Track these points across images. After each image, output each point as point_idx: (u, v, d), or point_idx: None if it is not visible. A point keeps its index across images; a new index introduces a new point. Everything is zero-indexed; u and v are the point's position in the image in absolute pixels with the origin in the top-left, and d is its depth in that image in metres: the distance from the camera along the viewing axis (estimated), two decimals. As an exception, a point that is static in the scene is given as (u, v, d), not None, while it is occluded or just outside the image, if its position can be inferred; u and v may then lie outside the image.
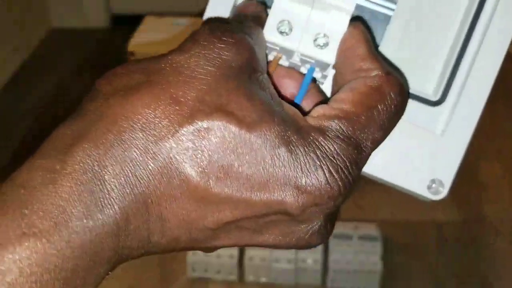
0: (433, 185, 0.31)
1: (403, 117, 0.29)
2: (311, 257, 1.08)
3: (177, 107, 0.22)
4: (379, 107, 0.24)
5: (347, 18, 0.27)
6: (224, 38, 0.24)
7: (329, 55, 0.27)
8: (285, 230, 0.24)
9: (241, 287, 1.09)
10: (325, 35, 0.27)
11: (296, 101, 0.28)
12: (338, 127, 0.23)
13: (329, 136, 0.23)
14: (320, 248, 1.08)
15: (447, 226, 1.36)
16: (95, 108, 0.23)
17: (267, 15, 0.28)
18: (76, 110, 0.24)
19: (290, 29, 0.27)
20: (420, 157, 0.31)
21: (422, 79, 0.31)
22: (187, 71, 0.23)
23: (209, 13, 0.30)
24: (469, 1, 0.30)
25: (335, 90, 0.27)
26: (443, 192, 0.32)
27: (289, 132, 0.22)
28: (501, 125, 1.73)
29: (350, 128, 0.24)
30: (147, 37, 1.45)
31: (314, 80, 0.29)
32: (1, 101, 1.80)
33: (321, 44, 0.27)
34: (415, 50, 0.31)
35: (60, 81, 1.91)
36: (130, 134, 0.21)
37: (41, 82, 1.89)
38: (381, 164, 0.28)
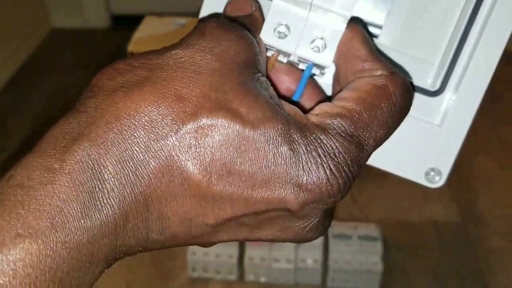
0: (431, 174, 0.31)
1: None
2: (311, 257, 1.08)
3: (181, 104, 0.22)
4: (383, 105, 0.24)
5: (344, 22, 0.26)
6: (231, 32, 0.24)
7: (326, 58, 0.27)
8: (283, 225, 0.24)
9: (241, 287, 1.09)
10: (322, 38, 0.27)
11: (294, 98, 0.28)
12: (340, 125, 0.23)
13: (331, 134, 0.23)
14: (320, 248, 1.09)
15: (446, 226, 1.36)
16: (96, 105, 0.22)
17: (261, 12, 0.28)
18: (75, 106, 0.23)
19: (288, 32, 0.27)
20: (419, 146, 0.31)
21: (421, 70, 0.31)
22: (193, 66, 0.23)
23: (204, 12, 0.30)
24: (466, 3, 0.30)
25: (336, 90, 0.27)
26: (441, 181, 0.32)
27: (292, 130, 0.22)
28: (498, 125, 1.73)
29: (353, 126, 0.23)
30: (147, 37, 1.45)
31: (312, 76, 0.29)
32: (1, 101, 1.80)
33: (319, 47, 0.27)
34: (414, 40, 0.31)
35: (60, 81, 1.91)
36: (132, 132, 0.21)
37: (41, 82, 1.89)
38: (380, 153, 0.27)
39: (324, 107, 0.25)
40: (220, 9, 0.30)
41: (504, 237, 1.33)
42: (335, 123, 0.23)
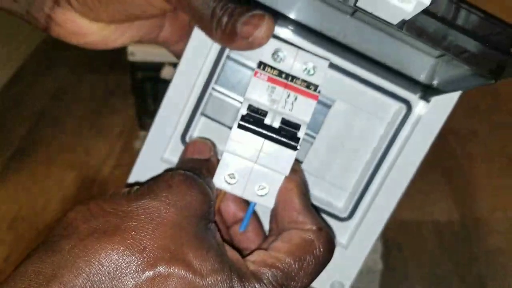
0: (335, 286, 0.37)
1: None
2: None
3: (144, 255, 0.24)
4: (308, 259, 0.28)
5: (282, 177, 0.32)
6: (194, 188, 0.28)
7: (269, 201, 0.32)
8: None
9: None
10: (265, 186, 0.32)
11: (241, 229, 0.33)
12: (273, 275, 0.27)
13: (265, 284, 0.27)
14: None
15: (445, 226, 1.36)
16: (70, 248, 0.24)
17: (217, 157, 0.33)
18: (49, 242, 0.25)
19: (236, 179, 0.32)
20: None
21: (335, 196, 0.37)
22: (158, 218, 0.26)
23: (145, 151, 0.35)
24: (379, 141, 0.35)
25: (273, 228, 0.32)
26: None
27: (234, 280, 0.26)
28: (499, 126, 1.74)
29: (284, 277, 0.27)
30: (147, 37, 1.45)
31: (254, 212, 0.35)
32: (1, 101, 1.80)
33: (262, 194, 0.32)
34: (331, 171, 0.36)
35: (60, 81, 1.91)
36: (99, 278, 0.23)
37: (41, 82, 1.89)
38: None
39: (261, 254, 0.29)
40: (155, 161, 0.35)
41: (504, 237, 1.33)
42: (269, 273, 0.27)
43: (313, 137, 0.36)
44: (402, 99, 0.34)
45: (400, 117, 0.34)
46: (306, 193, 0.32)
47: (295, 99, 0.32)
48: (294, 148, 0.31)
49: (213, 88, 0.35)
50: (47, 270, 0.23)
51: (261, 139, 0.31)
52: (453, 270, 1.25)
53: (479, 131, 1.69)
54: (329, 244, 0.30)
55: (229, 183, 0.32)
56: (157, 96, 1.46)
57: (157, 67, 1.39)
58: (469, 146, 1.62)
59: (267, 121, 0.31)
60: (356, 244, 0.36)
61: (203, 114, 0.36)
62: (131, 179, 0.36)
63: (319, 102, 0.34)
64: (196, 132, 0.36)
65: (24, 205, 1.38)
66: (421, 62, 0.31)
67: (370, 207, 0.36)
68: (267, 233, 0.34)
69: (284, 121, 0.31)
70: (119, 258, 0.24)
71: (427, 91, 0.34)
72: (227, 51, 0.33)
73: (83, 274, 0.23)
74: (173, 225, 0.26)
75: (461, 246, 1.31)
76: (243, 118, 0.31)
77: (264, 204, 0.32)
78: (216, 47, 0.33)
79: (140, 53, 1.40)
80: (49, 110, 1.75)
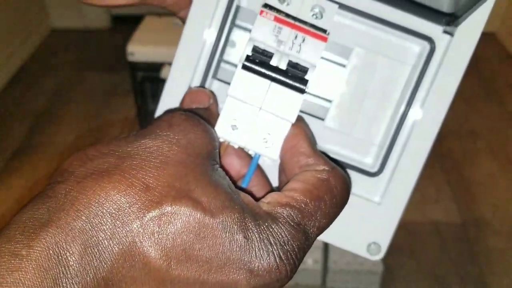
0: (372, 247, 0.34)
1: None
2: (311, 257, 1.08)
3: (147, 193, 0.23)
4: (326, 197, 0.27)
5: (289, 124, 0.30)
6: (197, 126, 0.26)
7: (274, 152, 0.30)
8: None
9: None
10: (270, 134, 0.30)
11: (244, 184, 0.31)
12: (289, 214, 0.25)
13: (281, 223, 0.25)
14: (320, 248, 1.09)
15: (446, 227, 1.36)
16: (66, 192, 0.23)
17: (217, 105, 0.31)
18: (45, 190, 0.23)
19: (239, 127, 0.30)
20: (360, 223, 0.34)
21: (362, 152, 0.34)
22: (160, 156, 0.24)
23: (162, 107, 0.33)
24: (404, 88, 0.33)
25: (283, 180, 0.30)
26: (381, 254, 0.35)
27: (247, 219, 0.24)
28: (500, 127, 1.74)
29: (300, 216, 0.26)
30: (147, 37, 1.46)
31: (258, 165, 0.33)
32: (1, 101, 1.80)
33: (267, 142, 0.30)
34: (357, 125, 0.34)
35: (60, 81, 1.91)
36: (100, 220, 0.22)
37: (41, 82, 1.89)
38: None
39: (275, 196, 0.27)
40: (176, 104, 0.32)
41: (504, 237, 1.33)
42: (284, 212, 0.25)
43: (330, 101, 0.34)
44: (424, 36, 0.32)
45: (424, 58, 0.32)
46: (313, 139, 0.31)
47: (303, 40, 0.30)
48: (301, 91, 0.29)
49: (222, 60, 0.33)
50: (42, 215, 0.22)
51: (267, 81, 0.29)
52: (453, 270, 1.25)
53: (479, 131, 1.69)
54: (345, 183, 0.28)
55: (231, 133, 0.30)
56: (157, 96, 1.46)
57: (157, 67, 1.39)
58: (469, 146, 1.62)
59: (273, 62, 0.29)
60: (390, 199, 0.34)
61: (215, 77, 0.34)
62: None
63: (335, 63, 0.33)
64: None
65: (24, 205, 1.38)
66: None
67: (400, 158, 0.33)
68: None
69: (291, 64, 0.29)
70: (121, 198, 0.22)
71: (451, 21, 0.31)
72: (230, 16, 0.32)
73: (82, 217, 0.22)
74: (177, 163, 0.24)
75: (461, 246, 1.31)
76: (247, 58, 0.29)
77: (269, 155, 0.30)
78: (219, 14, 0.32)
79: (140, 53, 1.40)
80: (49, 110, 1.75)
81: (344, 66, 0.33)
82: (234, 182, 0.30)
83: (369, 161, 0.34)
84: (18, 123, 1.69)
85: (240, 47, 0.33)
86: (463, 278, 1.23)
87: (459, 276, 1.24)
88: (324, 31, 0.30)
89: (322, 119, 0.34)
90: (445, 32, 0.32)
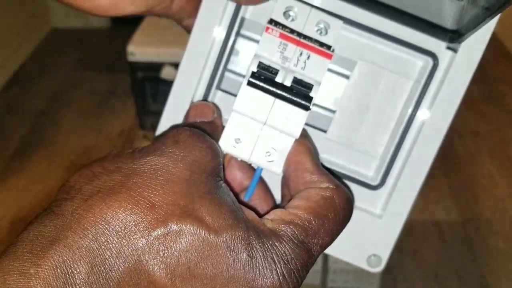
0: (372, 259, 0.35)
1: None
2: (311, 257, 1.08)
3: (153, 212, 0.23)
4: (329, 215, 0.27)
5: (292, 140, 0.30)
6: (202, 142, 0.26)
7: (277, 166, 0.30)
8: None
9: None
10: (274, 149, 0.30)
11: (246, 197, 0.31)
12: (293, 232, 0.26)
13: (285, 241, 0.25)
14: (320, 248, 1.09)
15: (446, 226, 1.36)
16: (73, 209, 0.23)
17: (220, 119, 0.31)
18: (51, 207, 0.24)
19: (243, 141, 0.30)
20: (361, 235, 0.34)
21: (364, 165, 0.35)
22: (166, 174, 0.24)
23: (164, 123, 0.33)
24: (406, 102, 0.33)
25: (286, 195, 0.30)
26: (381, 266, 0.35)
27: (251, 237, 0.24)
28: (500, 127, 1.74)
29: (303, 234, 0.26)
30: (147, 37, 1.46)
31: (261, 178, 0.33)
32: (1, 101, 1.80)
33: (270, 160, 0.30)
34: (359, 138, 0.34)
35: (60, 81, 1.91)
36: (106, 238, 0.22)
37: (41, 82, 1.89)
38: None
39: (278, 213, 0.27)
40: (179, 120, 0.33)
41: (504, 237, 1.33)
42: (288, 230, 0.25)
43: (334, 111, 0.34)
44: (427, 52, 0.32)
45: (427, 73, 0.32)
46: (317, 155, 0.31)
47: (308, 57, 0.30)
48: (306, 108, 0.29)
49: (226, 69, 0.34)
50: (50, 233, 0.22)
51: (272, 98, 0.29)
52: (453, 270, 1.25)
53: (480, 131, 1.69)
54: (349, 201, 0.28)
55: (235, 147, 0.30)
56: (157, 96, 1.46)
57: (157, 67, 1.39)
58: (470, 146, 1.62)
59: (278, 79, 0.29)
60: (391, 212, 0.34)
61: (219, 88, 0.34)
62: None
63: (338, 73, 0.33)
64: None
65: (24, 205, 1.38)
66: (448, 5, 0.28)
67: (402, 172, 0.33)
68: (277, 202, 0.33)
69: (296, 80, 0.29)
70: (127, 216, 0.22)
71: (455, 38, 0.31)
72: (235, 27, 0.32)
73: (89, 235, 0.22)
74: (182, 181, 0.24)
75: (461, 246, 1.31)
76: (253, 75, 0.29)
77: (272, 169, 0.30)
78: (224, 23, 0.32)
79: (140, 53, 1.40)
80: (49, 110, 1.75)
81: (347, 77, 0.33)
82: (237, 195, 0.31)
83: (371, 174, 0.35)
84: (18, 123, 1.69)
85: (243, 56, 0.34)
86: (463, 278, 1.23)
87: (459, 276, 1.24)
88: (329, 47, 0.30)
89: (325, 131, 0.34)
90: (449, 48, 0.32)
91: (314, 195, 0.27)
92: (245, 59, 0.34)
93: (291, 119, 0.29)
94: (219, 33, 0.32)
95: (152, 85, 1.44)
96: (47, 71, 1.96)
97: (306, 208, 0.27)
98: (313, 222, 0.26)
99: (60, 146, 1.58)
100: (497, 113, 1.79)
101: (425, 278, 1.24)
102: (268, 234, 0.25)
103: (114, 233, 0.22)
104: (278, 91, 0.29)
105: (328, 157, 0.34)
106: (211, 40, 0.32)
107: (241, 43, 0.34)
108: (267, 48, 0.30)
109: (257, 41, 0.33)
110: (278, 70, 0.29)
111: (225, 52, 0.33)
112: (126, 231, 0.22)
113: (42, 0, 2.20)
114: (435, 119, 0.33)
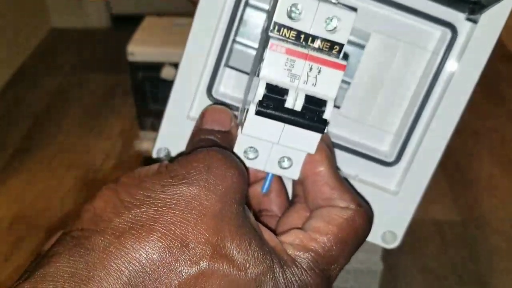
0: (387, 235, 0.34)
1: (360, 175, 0.34)
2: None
3: (186, 252, 0.23)
4: (350, 240, 0.27)
5: (306, 152, 0.29)
6: (234, 168, 0.25)
7: (293, 174, 0.29)
8: None
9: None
10: (289, 159, 0.29)
11: (263, 190, 0.31)
12: (314, 261, 0.26)
13: (306, 270, 0.26)
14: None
15: (446, 226, 1.36)
16: (105, 245, 0.22)
17: (237, 129, 0.30)
18: (80, 238, 0.23)
19: (257, 153, 0.29)
20: (376, 211, 0.33)
21: (379, 141, 0.34)
22: (199, 207, 0.24)
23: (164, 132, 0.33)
24: (422, 76, 0.32)
25: (299, 195, 0.30)
26: (396, 242, 0.35)
27: (275, 269, 0.25)
28: (500, 126, 1.74)
29: (324, 261, 0.26)
30: (147, 37, 1.46)
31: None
32: (1, 101, 1.80)
33: (286, 166, 0.29)
34: (373, 113, 0.33)
35: (60, 81, 1.91)
36: (141, 280, 0.22)
37: (41, 82, 1.89)
38: None
39: (300, 235, 0.27)
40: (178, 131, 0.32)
41: (504, 237, 1.33)
42: (309, 258, 0.26)
43: (349, 83, 0.33)
44: (446, 23, 0.31)
45: (445, 44, 0.31)
46: (335, 163, 0.30)
47: (319, 72, 0.27)
48: (321, 131, 0.27)
49: (235, 41, 0.32)
50: (82, 271, 0.21)
51: (282, 124, 0.27)
52: (453, 270, 1.25)
53: (480, 131, 1.69)
54: (370, 222, 0.28)
55: (249, 158, 0.29)
56: (157, 96, 1.46)
57: (157, 67, 1.39)
58: (470, 146, 1.62)
59: (288, 104, 0.27)
60: (407, 189, 0.33)
61: (227, 65, 0.33)
62: (159, 142, 0.33)
63: (352, 43, 0.32)
64: (222, 85, 0.33)
65: (24, 205, 1.38)
66: None
67: (418, 148, 0.32)
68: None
69: (308, 98, 0.27)
70: (161, 257, 0.22)
71: (476, 9, 0.30)
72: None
73: (123, 277, 0.22)
74: (214, 215, 0.24)
75: (461, 246, 1.31)
76: (260, 103, 0.27)
77: (289, 176, 0.29)
78: None
79: (140, 53, 1.40)
80: (49, 110, 1.75)
81: (362, 47, 0.32)
82: (251, 204, 0.31)
83: (386, 150, 0.34)
84: (18, 123, 1.69)
85: (252, 27, 0.33)
86: (463, 277, 1.23)
87: (459, 275, 1.24)
88: (341, 46, 0.27)
89: (338, 107, 0.33)
90: (468, 19, 0.31)
91: (335, 217, 0.27)
92: (253, 29, 0.32)
93: (305, 139, 0.28)
94: (228, 2, 0.31)
95: (152, 85, 1.44)
96: (47, 71, 1.96)
97: (328, 233, 0.27)
98: (333, 248, 0.26)
99: (60, 146, 1.58)
100: (497, 113, 1.79)
101: (425, 278, 1.24)
102: (290, 264, 0.25)
103: (148, 274, 0.22)
104: (290, 117, 0.27)
105: (343, 134, 0.33)
106: (219, 9, 0.31)
107: (249, 13, 0.32)
108: (273, 69, 0.27)
109: (266, 11, 0.32)
110: (288, 90, 0.27)
111: (235, 22, 0.31)
112: (159, 271, 0.22)
113: (42, 0, 2.20)
114: (454, 93, 0.31)
